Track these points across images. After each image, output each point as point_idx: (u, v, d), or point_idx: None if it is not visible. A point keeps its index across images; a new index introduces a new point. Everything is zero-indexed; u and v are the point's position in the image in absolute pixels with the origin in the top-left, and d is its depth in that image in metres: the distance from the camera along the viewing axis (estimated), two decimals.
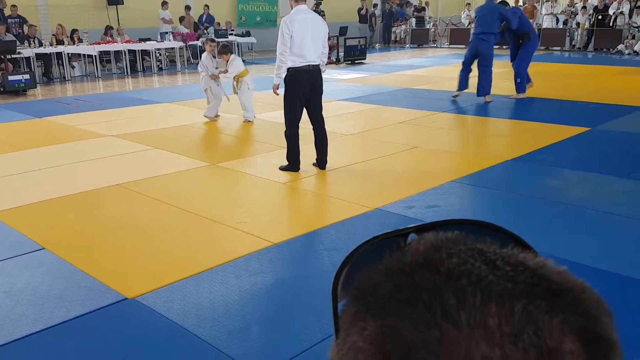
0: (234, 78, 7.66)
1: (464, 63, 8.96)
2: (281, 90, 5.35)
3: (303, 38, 5.05)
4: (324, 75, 5.35)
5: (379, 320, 0.32)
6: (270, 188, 5.04)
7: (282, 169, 5.40)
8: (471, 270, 0.32)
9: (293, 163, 5.36)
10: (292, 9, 5.17)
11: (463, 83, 8.96)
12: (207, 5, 16.95)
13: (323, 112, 5.36)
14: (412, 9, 22.63)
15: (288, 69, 5.11)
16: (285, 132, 5.33)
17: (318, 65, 5.20)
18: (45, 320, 2.82)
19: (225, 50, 7.78)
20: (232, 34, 16.40)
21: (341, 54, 15.92)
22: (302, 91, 5.16)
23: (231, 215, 4.28)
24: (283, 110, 5.29)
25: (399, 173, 5.30)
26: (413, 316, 0.31)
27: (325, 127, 5.39)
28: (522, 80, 8.95)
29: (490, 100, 8.79)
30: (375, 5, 22.24)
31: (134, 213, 4.38)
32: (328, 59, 5.88)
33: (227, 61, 7.69)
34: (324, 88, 5.36)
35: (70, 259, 3.53)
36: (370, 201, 4.49)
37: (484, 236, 0.36)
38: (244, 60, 16.95)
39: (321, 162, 5.42)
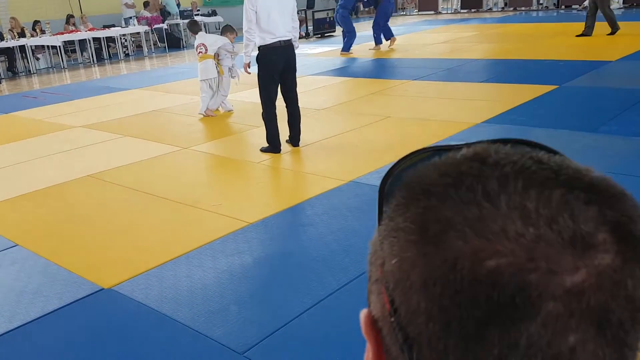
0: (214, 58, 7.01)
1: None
2: (253, 69, 5.27)
3: (269, 13, 4.91)
4: (296, 51, 5.26)
5: (421, 202, 0.34)
6: (244, 168, 5.02)
7: (263, 150, 5.27)
8: (516, 161, 0.33)
9: (273, 145, 5.22)
10: None
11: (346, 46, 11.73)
12: None
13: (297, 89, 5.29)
14: None
15: (259, 47, 5.00)
16: (262, 113, 5.22)
17: (290, 41, 5.07)
18: (22, 317, 2.81)
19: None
20: (197, 14, 16.13)
21: (310, 28, 15.76)
22: (276, 69, 5.03)
23: (206, 198, 4.26)
24: (258, 91, 5.19)
25: (372, 144, 5.30)
26: (454, 197, 0.32)
27: (299, 104, 5.34)
28: (378, 35, 11.52)
29: (348, 54, 11.36)
30: None
31: (106, 203, 4.34)
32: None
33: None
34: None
35: (45, 254, 3.50)
36: (344, 174, 4.51)
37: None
38: None
39: (294, 139, 5.39)
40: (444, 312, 0.31)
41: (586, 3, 16.64)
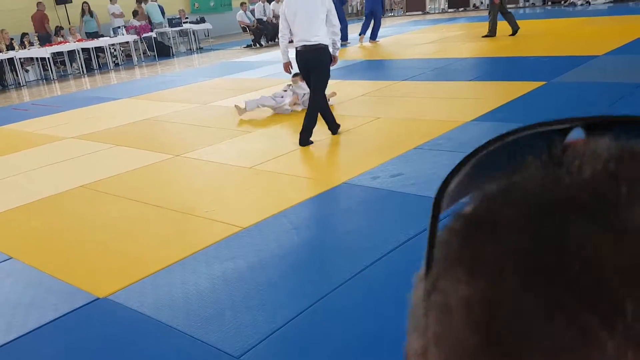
0: None
1: None
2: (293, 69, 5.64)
3: (295, 16, 5.14)
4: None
5: (482, 283, 0.22)
6: (237, 174, 5.04)
7: (334, 133, 5.60)
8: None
9: (331, 123, 5.57)
10: None
11: None
12: None
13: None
14: None
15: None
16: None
17: (315, 45, 5.14)
18: (18, 329, 2.82)
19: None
20: (186, 22, 16.16)
21: None
22: (302, 69, 5.39)
23: (199, 205, 4.28)
24: None
25: (363, 145, 5.34)
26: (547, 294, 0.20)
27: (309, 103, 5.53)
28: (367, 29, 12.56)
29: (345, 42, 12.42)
30: None
31: (100, 213, 4.35)
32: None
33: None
34: None
35: (39, 266, 3.51)
36: (336, 176, 4.54)
37: None
38: (201, 48, 16.73)
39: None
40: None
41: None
